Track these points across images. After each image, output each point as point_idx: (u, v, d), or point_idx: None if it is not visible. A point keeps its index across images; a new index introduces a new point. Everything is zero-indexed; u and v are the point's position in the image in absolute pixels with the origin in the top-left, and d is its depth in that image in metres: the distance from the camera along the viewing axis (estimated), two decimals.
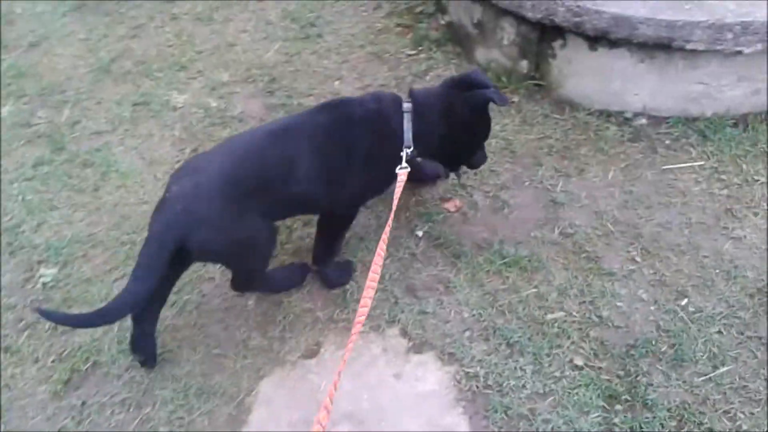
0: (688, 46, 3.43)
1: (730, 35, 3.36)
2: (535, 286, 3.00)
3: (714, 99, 3.67)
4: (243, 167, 2.56)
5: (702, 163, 3.51)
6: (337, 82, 4.05)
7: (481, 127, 3.02)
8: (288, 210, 2.85)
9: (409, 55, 4.20)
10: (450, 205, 3.38)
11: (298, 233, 3.25)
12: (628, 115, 3.84)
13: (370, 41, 4.34)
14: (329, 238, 3.02)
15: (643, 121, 3.84)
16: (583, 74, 3.82)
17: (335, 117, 2.74)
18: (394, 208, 2.58)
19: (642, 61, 3.66)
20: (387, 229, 2.39)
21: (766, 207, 3.27)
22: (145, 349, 2.74)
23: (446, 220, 3.29)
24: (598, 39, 3.62)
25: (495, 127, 3.54)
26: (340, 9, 4.63)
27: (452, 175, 3.44)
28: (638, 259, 3.09)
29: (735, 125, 3.70)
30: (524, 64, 3.98)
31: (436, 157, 3.09)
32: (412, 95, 2.90)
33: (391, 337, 2.84)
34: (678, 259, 3.07)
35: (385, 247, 2.32)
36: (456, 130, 2.90)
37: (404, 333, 2.86)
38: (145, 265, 2.41)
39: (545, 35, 3.80)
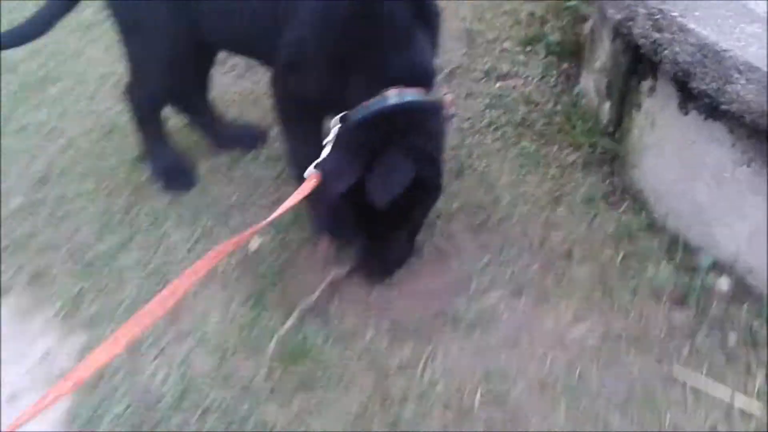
0: None
1: None
2: None
3: None
4: None
5: None
6: None
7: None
8: None
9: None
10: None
11: None
12: (704, 261, 2.20)
13: None
14: None
15: (725, 286, 2.17)
16: (665, 152, 2.28)
17: None
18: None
19: (750, 161, 2.00)
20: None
21: None
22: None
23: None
24: (688, 90, 2.06)
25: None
26: None
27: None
28: None
29: None
30: (606, 109, 2.53)
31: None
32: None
33: None
34: None
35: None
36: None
37: None
38: None
39: (636, 65, 2.31)
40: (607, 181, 2.47)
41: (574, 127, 2.62)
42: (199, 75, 2.50)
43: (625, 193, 2.43)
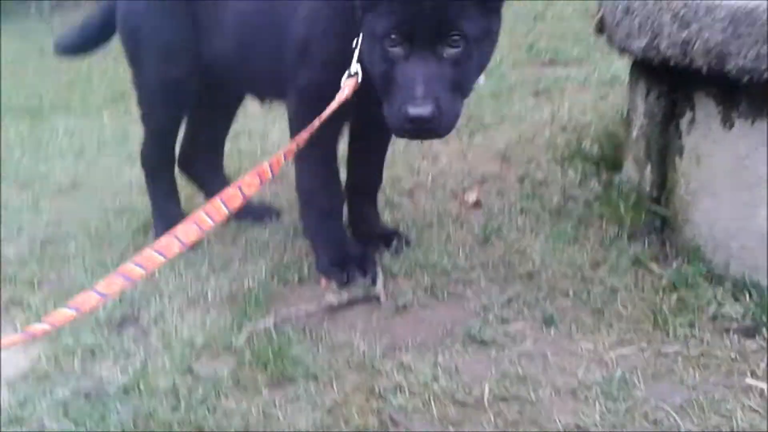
0: None
1: None
2: None
3: None
4: None
5: None
6: None
7: None
8: None
9: None
10: None
11: None
12: None
13: None
14: None
15: None
16: (716, 186, 2.06)
17: None
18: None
19: None
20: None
21: None
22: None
23: None
24: (728, 93, 1.93)
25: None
26: None
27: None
28: None
29: None
30: (648, 175, 2.34)
31: None
32: None
33: None
34: None
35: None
36: None
37: None
38: None
39: (673, 105, 2.18)
40: (657, 248, 2.20)
41: (616, 207, 2.40)
42: (212, 139, 2.53)
43: (678, 253, 2.15)
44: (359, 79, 1.85)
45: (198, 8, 2.24)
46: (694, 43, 1.94)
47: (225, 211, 1.63)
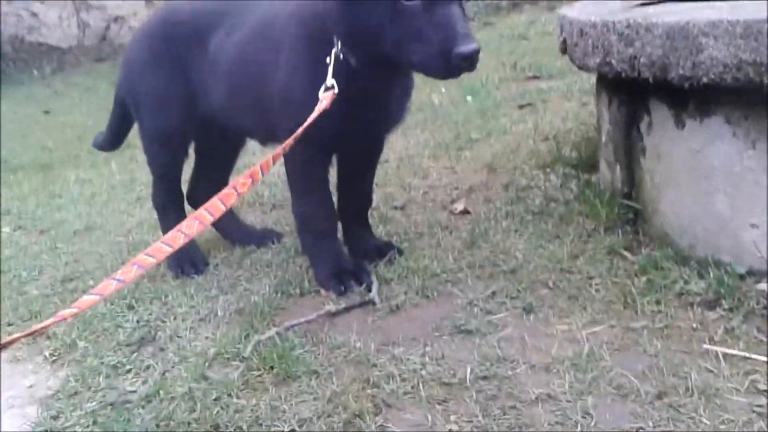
0: None
1: None
2: None
3: None
4: None
5: None
6: None
7: None
8: None
9: None
10: None
11: None
12: (738, 270, 2.04)
13: None
14: None
15: (765, 287, 1.97)
16: (678, 180, 2.25)
17: None
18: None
19: (754, 142, 1.97)
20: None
21: None
22: None
23: None
24: (678, 97, 2.14)
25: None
26: None
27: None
28: None
29: None
30: (618, 174, 2.54)
31: None
32: None
33: None
34: None
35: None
36: None
37: None
38: None
39: (633, 112, 2.38)
40: (630, 237, 2.39)
41: (593, 205, 2.59)
42: (217, 176, 2.76)
43: (650, 241, 2.34)
44: (336, 91, 2.09)
45: (190, 64, 2.51)
46: (640, 58, 2.17)
47: (222, 208, 1.89)
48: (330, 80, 2.10)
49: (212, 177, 2.79)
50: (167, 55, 2.55)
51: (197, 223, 1.84)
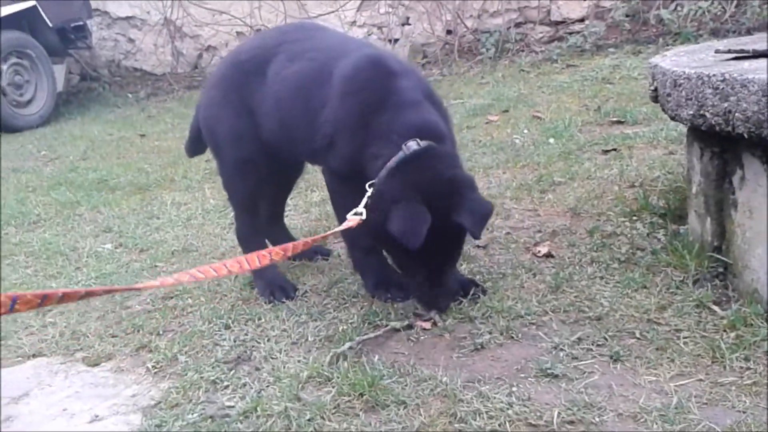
0: None
1: None
2: None
3: None
4: None
5: None
6: None
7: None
8: None
9: None
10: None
11: None
12: None
13: None
14: None
15: None
16: None
17: None
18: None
19: None
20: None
21: None
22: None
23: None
24: None
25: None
26: None
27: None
28: None
29: None
30: (708, 227, 2.53)
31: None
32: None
33: None
34: None
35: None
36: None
37: None
38: None
39: (725, 166, 2.39)
40: (719, 291, 2.38)
41: (681, 256, 2.59)
42: (276, 199, 3.12)
43: (739, 297, 2.32)
44: (362, 219, 2.32)
45: (252, 101, 2.73)
46: (734, 113, 2.19)
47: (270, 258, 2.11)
48: (361, 208, 2.33)
49: (272, 199, 3.07)
50: (235, 92, 2.75)
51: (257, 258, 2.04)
